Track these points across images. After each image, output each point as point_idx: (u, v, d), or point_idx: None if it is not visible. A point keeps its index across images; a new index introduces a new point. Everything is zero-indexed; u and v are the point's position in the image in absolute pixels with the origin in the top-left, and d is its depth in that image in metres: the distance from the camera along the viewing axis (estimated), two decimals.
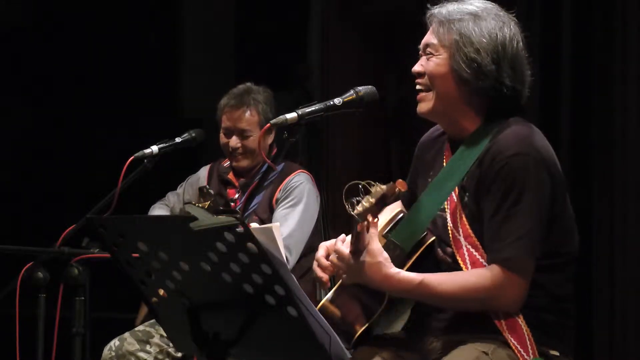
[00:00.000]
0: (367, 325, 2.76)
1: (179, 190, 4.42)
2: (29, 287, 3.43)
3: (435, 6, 2.82)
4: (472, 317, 2.70)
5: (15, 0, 7.07)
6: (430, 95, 2.78)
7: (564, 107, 4.58)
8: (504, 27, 2.74)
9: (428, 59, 2.78)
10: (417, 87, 2.81)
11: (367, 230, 2.65)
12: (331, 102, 2.75)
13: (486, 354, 2.64)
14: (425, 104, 2.80)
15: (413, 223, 2.79)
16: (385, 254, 2.68)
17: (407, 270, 2.73)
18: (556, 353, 2.71)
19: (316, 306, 2.65)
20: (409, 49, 2.96)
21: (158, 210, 4.43)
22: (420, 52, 2.83)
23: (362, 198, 2.62)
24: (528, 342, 2.65)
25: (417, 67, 2.81)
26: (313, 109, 2.73)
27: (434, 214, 2.80)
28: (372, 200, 2.61)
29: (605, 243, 4.46)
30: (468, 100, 2.76)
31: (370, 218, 2.62)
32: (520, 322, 2.66)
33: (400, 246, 2.74)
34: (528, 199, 2.63)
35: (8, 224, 6.23)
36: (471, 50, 2.70)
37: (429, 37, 2.80)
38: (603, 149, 4.50)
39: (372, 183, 2.62)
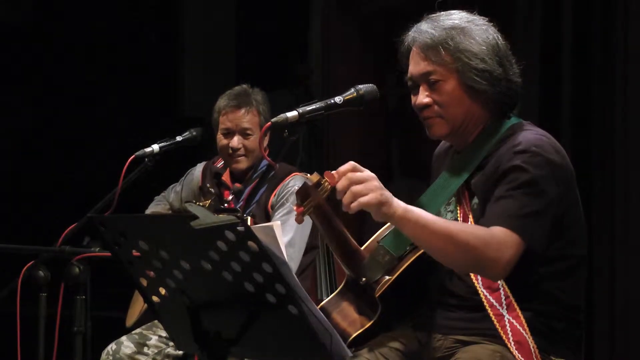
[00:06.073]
0: (361, 330, 2.75)
1: (178, 187, 4.43)
2: (30, 286, 3.43)
3: (408, 33, 2.77)
4: (481, 322, 2.67)
5: (15, 0, 7.08)
6: (443, 120, 2.74)
7: (564, 107, 4.58)
8: (487, 28, 2.74)
9: (435, 88, 2.72)
10: (426, 115, 2.75)
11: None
12: (332, 101, 2.70)
13: (499, 352, 2.63)
14: (438, 128, 2.75)
15: None
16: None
17: (399, 275, 2.71)
18: None
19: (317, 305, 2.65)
20: None
21: (156, 205, 4.44)
22: (412, 82, 2.77)
23: None
24: (534, 355, 2.62)
25: (424, 99, 2.74)
26: (314, 107, 2.68)
27: None
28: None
29: (606, 243, 4.46)
30: (481, 107, 2.73)
31: (294, 208, 2.51)
32: (526, 337, 2.63)
33: (390, 252, 2.71)
34: (537, 187, 2.56)
35: (8, 223, 6.24)
36: (478, 62, 2.68)
37: (424, 66, 2.73)
38: (603, 149, 4.49)
39: (308, 175, 2.53)
